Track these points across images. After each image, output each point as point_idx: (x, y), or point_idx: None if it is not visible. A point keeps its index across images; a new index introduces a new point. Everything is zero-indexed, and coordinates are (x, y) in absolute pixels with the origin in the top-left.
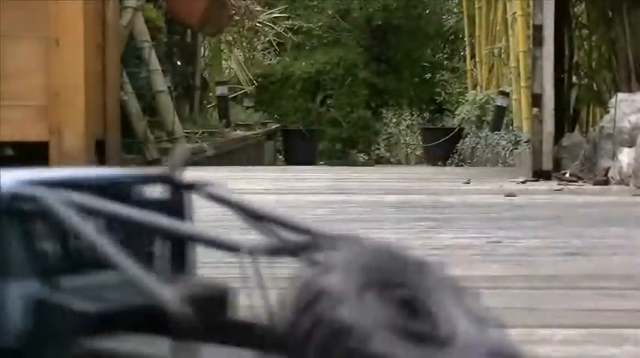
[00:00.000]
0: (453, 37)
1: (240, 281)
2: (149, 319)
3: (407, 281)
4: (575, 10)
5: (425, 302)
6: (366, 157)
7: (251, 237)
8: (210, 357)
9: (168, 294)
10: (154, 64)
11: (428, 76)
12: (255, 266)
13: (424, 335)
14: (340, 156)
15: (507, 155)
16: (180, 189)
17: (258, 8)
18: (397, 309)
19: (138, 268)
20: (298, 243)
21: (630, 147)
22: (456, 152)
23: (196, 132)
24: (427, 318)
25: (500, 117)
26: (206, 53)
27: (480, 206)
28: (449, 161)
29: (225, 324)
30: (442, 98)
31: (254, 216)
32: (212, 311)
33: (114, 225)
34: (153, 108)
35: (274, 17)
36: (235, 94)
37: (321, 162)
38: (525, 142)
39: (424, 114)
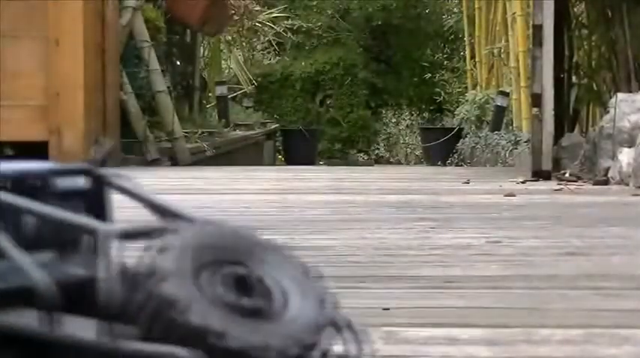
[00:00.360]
0: (452, 36)
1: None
2: (28, 297)
3: (244, 260)
4: (575, 10)
5: (260, 280)
6: (366, 157)
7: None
8: (69, 325)
9: (39, 276)
10: (154, 63)
11: (427, 75)
12: (107, 247)
13: (255, 310)
14: (340, 156)
15: (507, 155)
16: (97, 182)
17: (258, 8)
18: (230, 286)
19: (19, 253)
20: (152, 227)
21: (630, 147)
22: (456, 152)
23: (196, 132)
24: (260, 294)
25: (499, 117)
26: (206, 53)
27: (480, 206)
28: (448, 161)
29: (83, 299)
30: (442, 98)
31: (160, 211)
32: (72, 290)
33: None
34: (152, 108)
35: (274, 17)
36: (235, 94)
37: (321, 162)
38: (525, 142)
39: (424, 114)
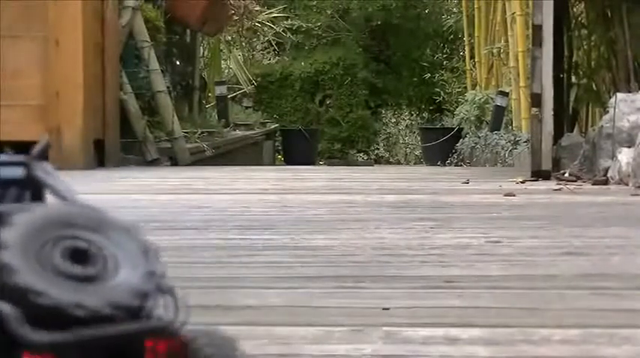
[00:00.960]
0: (452, 36)
1: None
2: None
3: (88, 236)
4: (575, 10)
5: (98, 253)
6: (365, 157)
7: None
8: None
9: None
10: (153, 63)
11: (427, 75)
12: None
13: (86, 277)
14: (339, 156)
15: (506, 155)
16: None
17: (258, 8)
18: (68, 257)
19: None
20: (11, 207)
21: (629, 146)
22: (455, 152)
23: (195, 132)
24: (94, 265)
25: (499, 117)
26: (205, 53)
27: (479, 206)
28: (448, 161)
29: None
30: (441, 98)
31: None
32: None
33: None
34: (152, 107)
35: (273, 17)
36: (234, 94)
37: (321, 162)
38: (524, 142)
39: (423, 114)
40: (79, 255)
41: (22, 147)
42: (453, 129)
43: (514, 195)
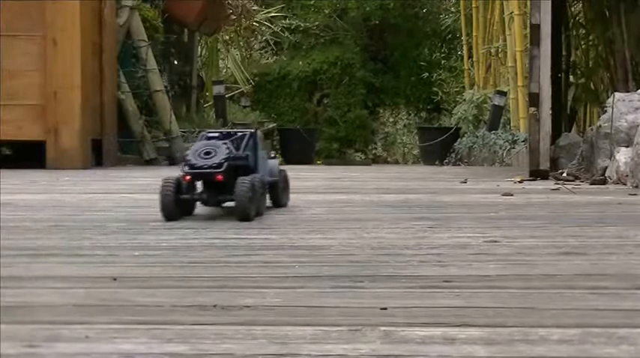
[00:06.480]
0: (450, 36)
1: None
2: None
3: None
4: (573, 9)
5: (212, 151)
6: (363, 156)
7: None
8: None
9: None
10: (151, 63)
11: (425, 75)
12: None
13: (207, 157)
14: (337, 156)
15: (504, 154)
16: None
17: (255, 7)
18: (202, 153)
19: None
20: None
21: (627, 146)
22: (453, 151)
23: (193, 132)
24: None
25: (497, 117)
26: (203, 52)
27: (477, 205)
28: (446, 160)
29: None
30: (439, 97)
31: None
32: None
33: None
34: (150, 107)
35: (271, 16)
36: (232, 94)
37: (318, 162)
38: (522, 142)
39: (421, 114)
40: (207, 153)
41: (20, 146)
42: (451, 128)
43: (512, 195)
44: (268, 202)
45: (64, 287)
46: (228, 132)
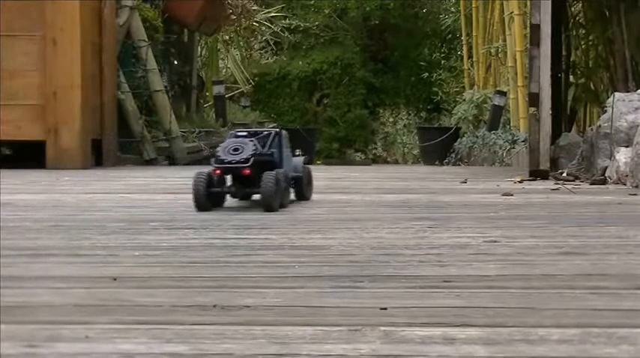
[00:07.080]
0: (450, 36)
1: None
2: None
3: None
4: (573, 9)
5: (240, 148)
6: (363, 156)
7: None
8: None
9: None
10: (151, 63)
11: (425, 75)
12: None
13: (236, 153)
14: (337, 156)
15: (504, 154)
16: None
17: (255, 7)
18: (231, 149)
19: None
20: None
21: (627, 146)
22: (453, 151)
23: (193, 132)
24: (239, 151)
25: (497, 117)
26: (203, 52)
27: (477, 205)
28: (446, 160)
29: None
30: (439, 97)
31: None
32: None
33: None
34: (150, 107)
35: (271, 16)
36: (232, 94)
37: (318, 162)
38: (522, 142)
39: (421, 114)
40: (236, 149)
41: (20, 146)
42: (451, 128)
43: (512, 195)
44: (292, 196)
45: (64, 287)
46: (255, 131)
